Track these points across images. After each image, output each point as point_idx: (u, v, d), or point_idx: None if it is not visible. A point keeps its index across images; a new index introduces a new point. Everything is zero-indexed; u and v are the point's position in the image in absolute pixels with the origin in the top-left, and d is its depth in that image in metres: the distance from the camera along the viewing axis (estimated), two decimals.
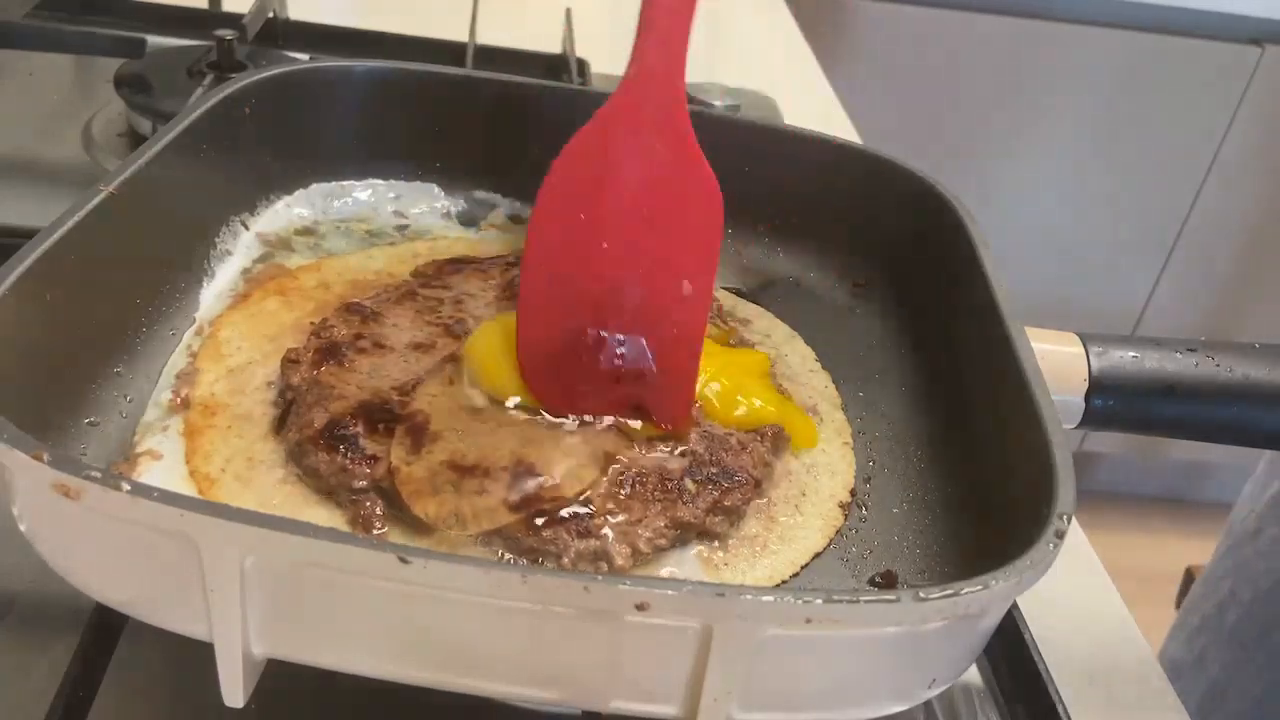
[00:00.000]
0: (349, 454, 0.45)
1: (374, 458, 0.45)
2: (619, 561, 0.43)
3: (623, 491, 0.45)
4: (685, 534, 0.46)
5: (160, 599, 0.36)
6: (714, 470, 0.47)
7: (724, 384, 0.52)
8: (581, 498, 0.44)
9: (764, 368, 0.55)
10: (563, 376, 0.47)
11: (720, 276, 0.65)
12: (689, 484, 0.46)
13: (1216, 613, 0.88)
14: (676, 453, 0.48)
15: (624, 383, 0.47)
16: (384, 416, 0.46)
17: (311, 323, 0.54)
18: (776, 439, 0.51)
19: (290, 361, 0.50)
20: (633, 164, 0.46)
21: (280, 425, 0.48)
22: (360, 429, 0.46)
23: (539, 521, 0.43)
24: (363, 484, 0.44)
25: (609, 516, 0.44)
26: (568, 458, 0.46)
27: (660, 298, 0.47)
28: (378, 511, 0.44)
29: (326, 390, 0.48)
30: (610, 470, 0.46)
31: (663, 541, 0.45)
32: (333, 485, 0.45)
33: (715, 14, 1.35)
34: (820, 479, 0.51)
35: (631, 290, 0.47)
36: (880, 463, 0.53)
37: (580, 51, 1.01)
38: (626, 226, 0.46)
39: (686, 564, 0.46)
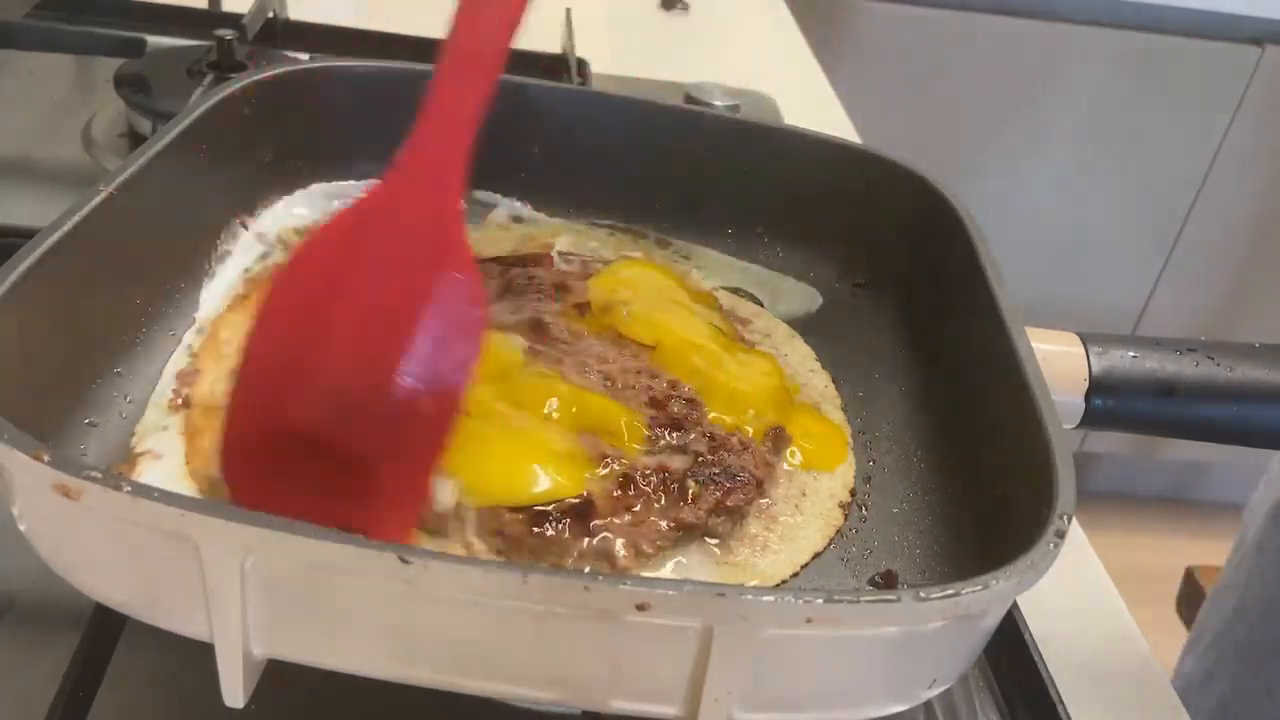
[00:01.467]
0: None
1: None
2: (621, 562, 0.43)
3: (625, 492, 0.45)
4: (688, 534, 0.46)
5: (160, 599, 0.36)
6: (716, 471, 0.47)
7: (734, 388, 0.53)
8: (584, 498, 0.44)
9: (780, 376, 0.56)
10: (267, 475, 0.42)
11: (721, 276, 0.66)
12: (691, 484, 0.46)
13: (1226, 627, 0.88)
14: (678, 452, 0.48)
15: (337, 495, 0.41)
16: None
17: None
18: (777, 439, 0.51)
19: None
20: (391, 263, 0.42)
21: None
22: None
23: (541, 522, 0.43)
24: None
25: (612, 517, 0.44)
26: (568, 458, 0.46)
27: (396, 413, 0.42)
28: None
29: None
30: (612, 471, 0.46)
31: (665, 542, 0.45)
32: None
33: (715, 14, 1.35)
34: (820, 479, 0.51)
35: (362, 398, 0.41)
36: (880, 463, 0.53)
37: (580, 51, 1.01)
38: (371, 329, 0.42)
39: (688, 563, 0.46)
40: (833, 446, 0.53)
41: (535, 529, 0.43)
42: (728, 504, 0.47)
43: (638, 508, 0.45)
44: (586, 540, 0.43)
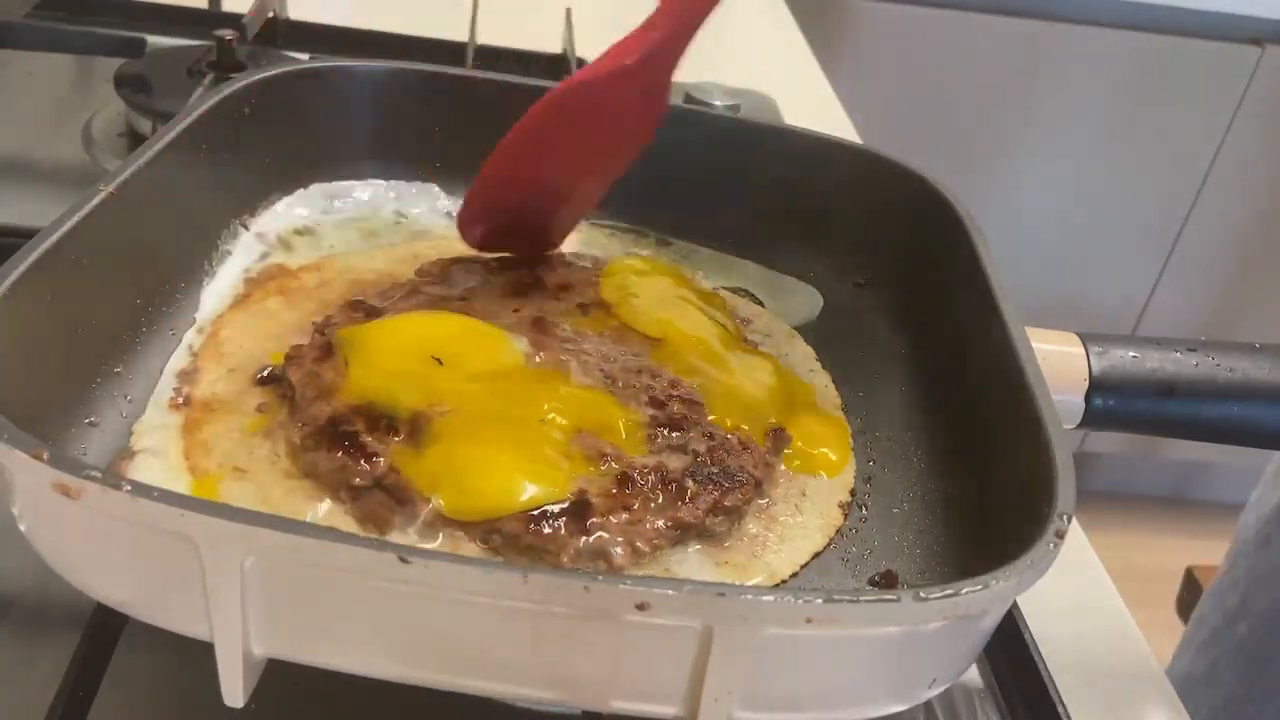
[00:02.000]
0: (350, 451, 0.45)
1: (374, 455, 0.45)
2: (618, 561, 0.43)
3: (623, 491, 0.45)
4: (685, 534, 0.46)
5: (160, 599, 0.36)
6: (714, 470, 0.47)
7: (735, 388, 0.52)
8: (580, 497, 0.44)
9: (782, 377, 0.56)
10: (491, 226, 0.59)
11: (721, 276, 0.66)
12: (689, 484, 0.46)
13: (1227, 624, 0.88)
14: (677, 451, 0.48)
15: (518, 233, 0.60)
16: (385, 414, 0.46)
17: (313, 322, 0.54)
18: (778, 439, 0.51)
19: (293, 358, 0.50)
20: (622, 108, 0.57)
21: (282, 424, 0.48)
22: (362, 426, 0.46)
23: (538, 520, 0.43)
24: (363, 482, 0.44)
25: (609, 516, 0.44)
26: (564, 455, 0.46)
27: (581, 186, 0.60)
28: (385, 510, 0.44)
29: (329, 386, 0.48)
30: (610, 469, 0.46)
31: (662, 541, 0.45)
32: (333, 483, 0.45)
33: (715, 14, 1.35)
34: (820, 479, 0.51)
35: (568, 183, 0.59)
36: (880, 463, 0.53)
37: (580, 51, 1.01)
38: (593, 142, 0.58)
39: (686, 563, 0.46)
40: (833, 447, 0.53)
41: (532, 527, 0.43)
42: (725, 504, 0.46)
43: (635, 506, 0.45)
44: (583, 539, 0.43)
